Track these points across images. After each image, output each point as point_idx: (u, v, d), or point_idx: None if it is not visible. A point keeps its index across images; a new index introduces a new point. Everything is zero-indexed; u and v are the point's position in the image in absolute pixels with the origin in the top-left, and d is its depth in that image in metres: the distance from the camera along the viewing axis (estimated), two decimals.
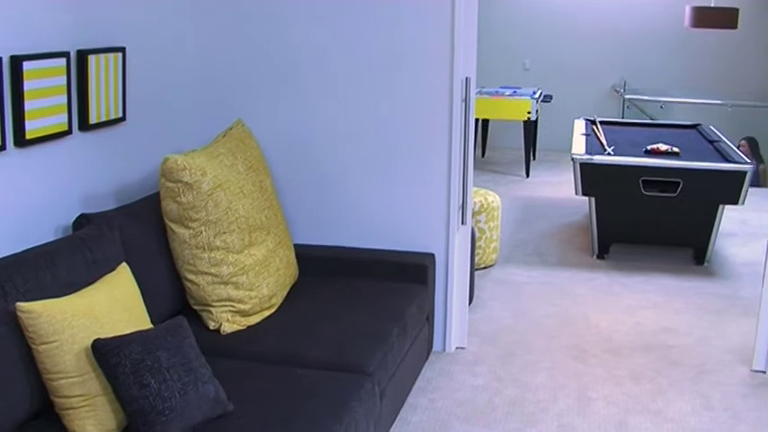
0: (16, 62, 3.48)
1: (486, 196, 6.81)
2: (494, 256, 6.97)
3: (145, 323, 3.38)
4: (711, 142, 8.25)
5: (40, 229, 3.75)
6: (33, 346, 2.98)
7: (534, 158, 11.84)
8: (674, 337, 5.60)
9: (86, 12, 3.99)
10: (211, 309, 4.12)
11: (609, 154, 7.34)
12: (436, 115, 4.93)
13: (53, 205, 3.83)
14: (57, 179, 3.85)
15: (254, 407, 3.31)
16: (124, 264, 3.55)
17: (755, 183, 9.76)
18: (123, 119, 4.33)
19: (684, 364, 5.18)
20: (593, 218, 7.24)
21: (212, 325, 4.12)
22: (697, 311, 6.11)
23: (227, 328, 4.10)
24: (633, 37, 12.65)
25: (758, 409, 4.62)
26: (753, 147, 10.82)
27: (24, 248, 3.48)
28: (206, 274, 4.08)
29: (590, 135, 8.37)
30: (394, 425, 4.36)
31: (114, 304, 3.23)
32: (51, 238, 3.77)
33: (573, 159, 7.13)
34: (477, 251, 6.69)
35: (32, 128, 3.60)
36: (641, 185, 6.98)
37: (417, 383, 4.83)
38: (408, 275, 4.84)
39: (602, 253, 7.33)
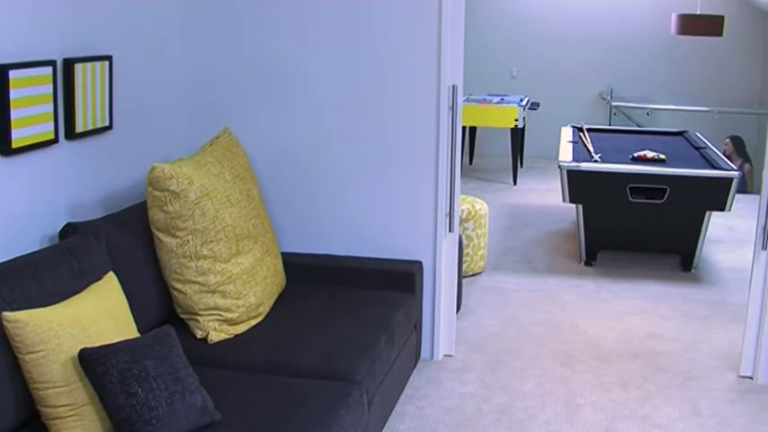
0: (2, 71, 3.47)
1: (473, 204, 6.82)
2: (481, 264, 6.97)
3: (132, 332, 3.37)
4: (698, 149, 8.28)
5: (26, 238, 3.73)
6: (20, 356, 2.97)
7: (522, 166, 11.85)
8: (661, 344, 5.61)
9: (73, 20, 3.99)
10: (198, 318, 4.12)
11: (596, 161, 7.36)
12: (423, 123, 4.94)
13: (39, 214, 3.82)
14: (43, 188, 3.84)
15: (242, 416, 3.30)
16: (111, 273, 3.55)
17: (742, 184, 9.80)
18: (110, 127, 4.32)
19: (672, 371, 5.19)
20: (581, 225, 7.25)
21: (199, 334, 4.11)
22: (684, 318, 6.12)
23: (215, 336, 4.09)
24: (620, 45, 12.70)
25: (745, 415, 4.63)
26: (738, 146, 10.85)
27: (10, 258, 3.46)
28: (193, 282, 4.07)
29: (577, 142, 8.39)
30: None
31: (101, 313, 3.22)
32: (38, 248, 3.76)
33: (560, 167, 7.14)
34: (464, 258, 6.70)
35: (19, 137, 3.59)
36: (628, 192, 7.00)
37: (405, 391, 4.83)
38: (396, 283, 4.84)
39: (590, 260, 7.35)
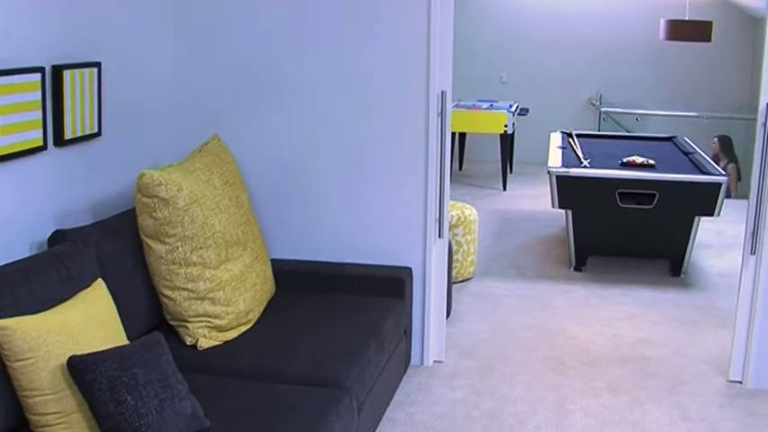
0: None
1: (463, 209, 6.82)
2: (471, 270, 6.98)
3: (121, 339, 3.36)
4: (687, 154, 8.30)
5: (14, 245, 3.72)
6: (8, 364, 2.96)
7: (511, 171, 11.86)
8: (651, 349, 5.62)
9: (62, 27, 3.98)
10: (188, 324, 4.11)
11: (585, 167, 7.37)
12: (412, 129, 4.94)
13: (28, 221, 3.81)
14: (32, 195, 3.83)
15: (232, 423, 3.30)
16: (100, 280, 3.54)
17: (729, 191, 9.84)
18: (99, 134, 4.32)
19: (661, 376, 5.20)
20: (570, 230, 7.26)
21: (189, 340, 4.11)
22: (673, 323, 6.13)
23: (204, 343, 4.08)
24: (609, 50, 12.73)
25: (734, 420, 4.64)
26: (725, 145, 10.88)
27: None
28: (182, 289, 4.07)
29: (566, 148, 8.41)
30: None
31: (90, 321, 3.21)
32: (26, 255, 3.74)
33: (549, 172, 7.15)
34: (454, 264, 6.70)
35: (7, 143, 3.58)
36: (618, 198, 7.01)
37: (395, 397, 4.83)
38: (385, 289, 4.84)
39: (580, 265, 7.36)
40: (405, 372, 5.02)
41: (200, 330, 4.10)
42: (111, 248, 3.91)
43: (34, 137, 3.77)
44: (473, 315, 6.20)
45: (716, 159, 10.19)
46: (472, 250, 6.91)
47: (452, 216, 6.67)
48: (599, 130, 12.28)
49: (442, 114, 4.96)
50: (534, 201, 10.25)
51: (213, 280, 4.12)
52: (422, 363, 5.26)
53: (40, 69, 3.77)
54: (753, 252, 4.92)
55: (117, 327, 3.40)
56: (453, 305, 6.31)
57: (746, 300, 4.99)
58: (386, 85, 4.93)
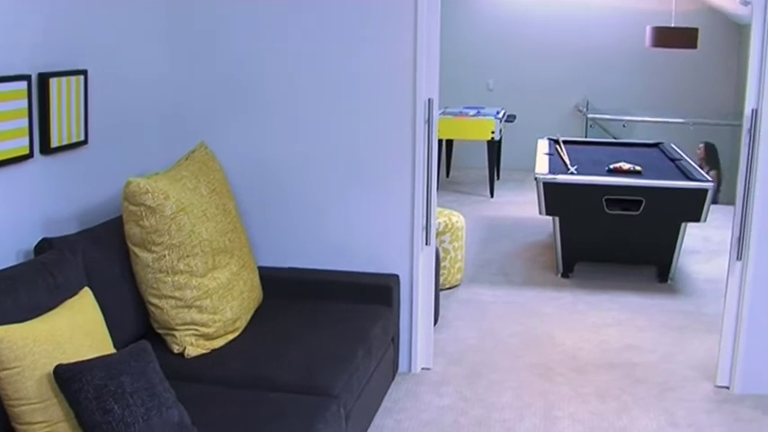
0: None
1: (450, 216, 6.83)
2: (459, 276, 6.98)
3: (108, 348, 3.35)
4: (673, 160, 8.32)
5: (1, 253, 3.71)
6: None
7: (498, 178, 11.89)
8: (638, 355, 5.63)
9: (48, 34, 3.97)
10: (175, 332, 4.10)
11: (572, 173, 7.39)
12: (399, 137, 4.95)
13: (14, 229, 3.80)
14: (18, 203, 3.82)
15: (219, 431, 3.29)
16: (86, 288, 3.53)
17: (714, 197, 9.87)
18: (85, 142, 4.31)
19: (649, 381, 5.21)
20: (558, 237, 7.28)
21: (176, 349, 4.10)
22: (661, 329, 6.15)
23: (192, 351, 4.08)
24: (595, 57, 12.77)
25: (722, 425, 4.65)
26: (710, 152, 10.93)
27: None
28: (169, 297, 4.06)
29: (553, 154, 8.43)
30: None
31: (76, 329, 3.20)
32: (12, 263, 3.73)
33: (536, 179, 7.17)
34: (441, 271, 6.70)
35: None
36: (604, 204, 7.03)
37: (383, 404, 4.83)
38: (373, 297, 4.84)
39: (567, 272, 7.37)
40: (392, 379, 5.02)
41: (187, 338, 4.09)
42: (97, 257, 3.90)
43: (20, 145, 3.76)
44: (461, 322, 6.20)
45: (700, 165, 10.24)
46: (460, 257, 6.92)
47: (440, 223, 6.67)
48: (586, 137, 12.29)
49: (428, 121, 4.96)
50: (521, 207, 10.27)
51: (200, 288, 4.11)
52: (409, 370, 5.26)
53: (26, 77, 3.76)
54: (739, 258, 4.93)
55: (104, 335, 3.39)
56: (441, 312, 6.31)
57: (733, 305, 5.01)
58: (373, 93, 4.93)
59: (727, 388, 5.11)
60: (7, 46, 3.69)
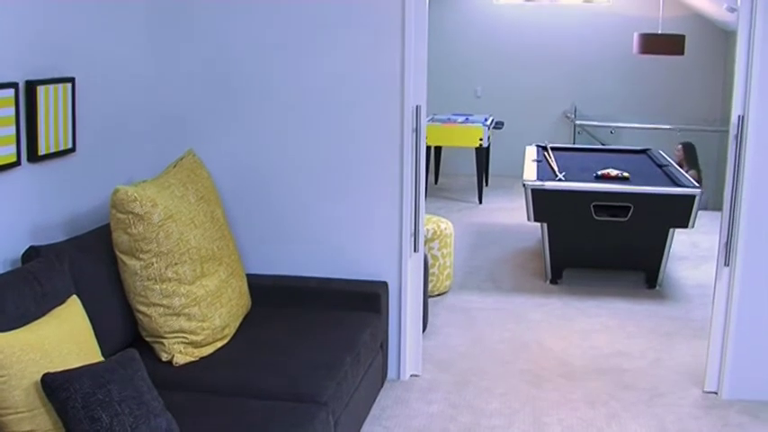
0: None
1: (438, 223, 6.83)
2: (447, 283, 6.99)
3: (96, 356, 3.34)
4: (661, 167, 8.35)
5: None
6: None
7: (487, 185, 11.90)
8: (627, 361, 5.64)
9: (35, 42, 3.97)
10: (164, 340, 4.09)
11: (560, 180, 7.40)
12: (387, 144, 4.95)
13: (2, 238, 3.78)
14: (5, 211, 3.81)
15: None
16: (74, 296, 3.52)
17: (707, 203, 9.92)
18: (73, 150, 4.30)
19: (638, 387, 5.21)
20: (546, 243, 7.29)
21: (165, 357, 4.09)
22: (649, 334, 6.16)
23: (180, 359, 4.07)
24: (583, 64, 12.80)
25: (710, 430, 4.66)
26: (688, 151, 10.98)
27: None
28: (158, 305, 4.05)
29: (541, 161, 8.44)
30: None
31: (64, 338, 3.19)
32: (0, 271, 3.73)
33: (525, 185, 7.18)
34: (430, 278, 6.70)
35: None
36: (593, 211, 7.04)
37: (372, 412, 4.82)
38: (361, 304, 4.84)
39: (556, 278, 7.38)
40: (381, 386, 5.02)
41: (175, 346, 4.08)
42: (85, 265, 3.89)
43: (7, 153, 3.75)
44: (449, 328, 6.20)
45: (680, 165, 10.29)
46: (448, 264, 6.92)
47: (428, 230, 6.68)
48: (574, 143, 12.34)
49: (416, 129, 4.97)
50: (510, 214, 10.28)
51: (188, 296, 4.10)
52: (398, 377, 5.25)
53: (14, 85, 3.76)
54: (726, 264, 4.95)
55: (92, 344, 3.38)
56: (430, 319, 6.31)
57: (721, 311, 5.02)
58: (361, 99, 4.94)
59: (716, 393, 5.12)
60: None
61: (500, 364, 5.55)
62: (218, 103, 5.08)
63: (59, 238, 4.19)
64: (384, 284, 5.00)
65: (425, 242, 6.53)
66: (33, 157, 3.96)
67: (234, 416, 3.50)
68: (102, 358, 3.38)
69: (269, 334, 4.42)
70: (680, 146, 11.06)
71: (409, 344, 5.23)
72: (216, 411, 3.54)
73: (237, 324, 4.47)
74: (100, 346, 3.50)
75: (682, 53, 9.80)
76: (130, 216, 3.93)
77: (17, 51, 3.84)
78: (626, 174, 7.65)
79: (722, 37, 12.37)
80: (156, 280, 4.03)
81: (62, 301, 3.45)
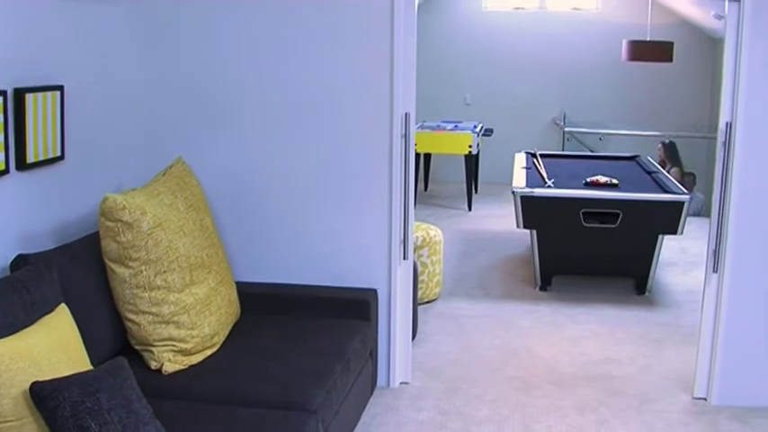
0: None
1: (428, 230, 6.84)
2: (437, 290, 6.99)
3: (85, 365, 3.33)
4: (650, 173, 8.37)
5: None
6: None
7: (476, 192, 11.91)
8: (616, 367, 5.65)
9: (23, 50, 3.96)
10: (153, 348, 4.08)
11: (549, 186, 7.41)
12: (376, 151, 4.95)
13: None
14: None
15: None
16: (63, 305, 3.51)
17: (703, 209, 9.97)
18: (62, 157, 4.29)
19: (627, 394, 5.22)
20: (535, 250, 7.29)
21: (154, 365, 4.08)
22: (638, 341, 6.17)
23: (169, 367, 4.06)
24: (572, 71, 12.84)
25: None
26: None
27: None
28: (147, 313, 4.04)
29: (531, 168, 8.45)
30: None
31: (53, 346, 3.18)
32: None
33: (514, 192, 7.18)
34: (420, 285, 6.70)
35: None
36: (582, 217, 7.05)
37: (362, 419, 4.81)
38: (351, 311, 4.83)
39: (545, 285, 7.38)
40: (371, 394, 5.01)
41: (165, 354, 4.07)
42: (74, 273, 3.88)
43: None
44: (439, 336, 6.20)
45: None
46: (437, 271, 6.92)
47: (417, 237, 6.68)
48: (563, 150, 12.36)
49: (405, 136, 4.97)
50: (499, 221, 10.29)
51: (178, 303, 4.10)
52: (388, 384, 5.25)
53: (2, 93, 3.75)
54: (715, 270, 4.96)
55: (80, 352, 3.37)
56: (419, 326, 6.31)
57: (710, 317, 5.04)
58: (349, 107, 4.94)
59: (705, 400, 5.13)
60: None
61: (489, 371, 5.55)
62: (208, 111, 5.08)
63: (48, 246, 4.18)
64: (373, 292, 5.00)
65: (415, 249, 6.53)
66: (22, 164, 3.96)
67: (223, 424, 3.49)
68: (91, 366, 3.37)
69: (258, 342, 4.41)
70: (660, 145, 11.17)
71: (399, 351, 5.23)
72: (205, 419, 3.53)
73: (227, 332, 4.46)
74: (89, 355, 3.49)
75: (670, 60, 9.84)
76: (119, 224, 3.92)
77: (6, 59, 3.84)
78: (615, 180, 7.67)
79: (710, 44, 12.42)
80: (145, 288, 4.02)
81: (51, 310, 3.44)
